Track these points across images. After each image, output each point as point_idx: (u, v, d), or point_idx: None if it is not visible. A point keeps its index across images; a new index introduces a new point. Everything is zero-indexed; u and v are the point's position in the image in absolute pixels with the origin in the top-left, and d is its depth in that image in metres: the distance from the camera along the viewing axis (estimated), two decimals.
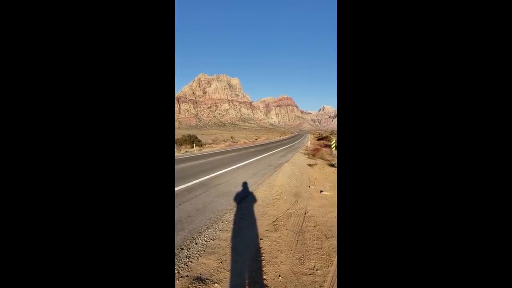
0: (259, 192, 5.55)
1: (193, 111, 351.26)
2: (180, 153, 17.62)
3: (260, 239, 3.09)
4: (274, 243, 2.99)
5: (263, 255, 2.69)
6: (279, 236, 3.17)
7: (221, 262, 2.54)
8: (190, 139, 25.00)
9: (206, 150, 20.56)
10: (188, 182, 6.54)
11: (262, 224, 3.58)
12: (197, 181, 6.77)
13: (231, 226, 3.51)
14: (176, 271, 2.39)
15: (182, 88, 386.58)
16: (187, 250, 2.80)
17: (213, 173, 8.02)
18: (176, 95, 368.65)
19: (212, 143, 30.09)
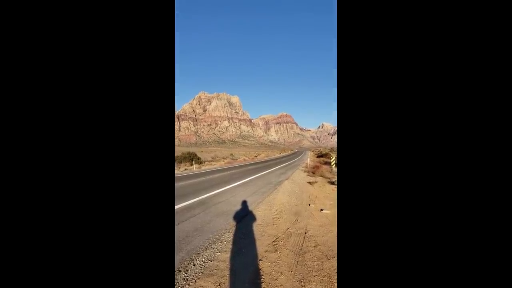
0: (259, 211, 5.48)
1: (193, 128, 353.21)
2: (179, 170, 17.54)
3: (260, 260, 3.02)
4: (274, 264, 2.92)
5: (262, 277, 2.62)
6: (279, 257, 3.11)
7: (219, 285, 2.47)
8: (190, 156, 24.97)
9: (205, 167, 20.49)
10: (187, 201, 6.48)
11: (262, 244, 3.52)
12: (196, 199, 6.71)
13: (230, 246, 3.44)
14: None
15: (182, 106, 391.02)
16: (184, 272, 2.73)
17: (212, 191, 7.96)
18: (176, 113, 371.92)
19: (211, 160, 30.02)
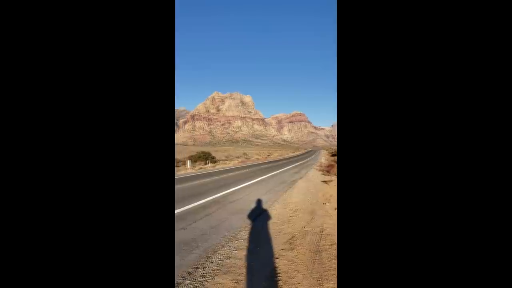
0: (274, 209, 5.47)
1: (207, 128, 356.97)
2: (194, 169, 17.77)
3: (276, 258, 3.02)
4: (291, 262, 2.90)
5: (279, 275, 2.61)
6: (296, 255, 3.09)
7: (236, 282, 2.48)
8: (204, 156, 25.25)
9: (219, 166, 20.65)
10: (202, 199, 6.55)
11: (278, 243, 3.51)
12: (211, 198, 6.77)
13: (246, 244, 3.45)
14: None
15: (196, 106, 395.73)
16: (202, 269, 2.76)
17: (227, 190, 8.01)
18: (190, 113, 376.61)
19: (225, 160, 30.24)
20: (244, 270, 2.71)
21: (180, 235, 3.86)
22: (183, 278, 2.56)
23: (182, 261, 2.94)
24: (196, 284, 2.45)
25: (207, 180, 11.07)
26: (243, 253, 3.15)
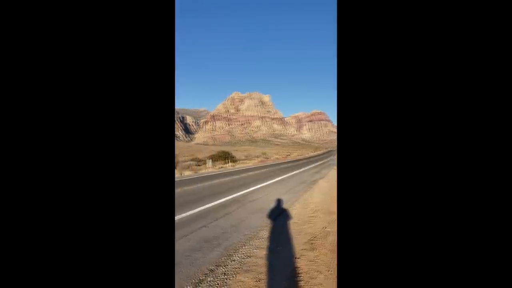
0: (294, 209, 5.44)
1: (227, 128, 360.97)
2: (215, 168, 18.03)
3: (297, 258, 3.00)
4: (312, 262, 2.88)
5: (300, 275, 2.59)
6: (317, 256, 3.05)
7: (258, 281, 2.49)
8: (224, 155, 25.55)
9: (239, 166, 20.82)
10: (222, 198, 6.64)
11: (299, 243, 3.48)
12: (231, 197, 6.85)
13: (267, 243, 3.46)
14: None
15: (216, 106, 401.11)
16: (223, 267, 2.80)
17: (246, 190, 8.06)
18: (211, 113, 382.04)
19: (245, 159, 30.41)
20: (265, 269, 2.71)
21: (201, 233, 3.94)
22: (206, 275, 2.61)
23: (204, 259, 3.00)
24: (218, 282, 2.49)
25: (227, 179, 11.19)
26: (263, 252, 3.16)
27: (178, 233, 3.93)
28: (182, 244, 3.50)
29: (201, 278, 2.55)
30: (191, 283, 2.47)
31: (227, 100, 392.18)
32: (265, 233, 3.89)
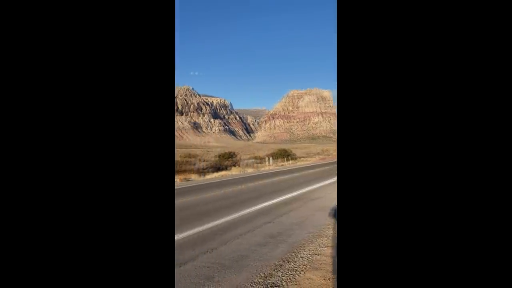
0: None
1: (286, 126, 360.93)
2: (276, 166, 18.25)
3: None
4: None
5: None
6: None
7: (328, 279, 2.45)
8: (284, 153, 25.68)
9: (299, 163, 20.65)
10: (283, 196, 6.68)
11: None
12: (291, 195, 6.84)
13: (334, 242, 3.36)
14: (283, 284, 2.43)
15: (275, 105, 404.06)
16: (292, 263, 2.82)
17: (307, 188, 7.95)
18: (269, 112, 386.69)
19: (306, 156, 30.02)
20: (332, 268, 2.64)
21: (265, 229, 4.03)
22: (274, 270, 2.67)
23: (271, 254, 3.07)
24: (288, 277, 2.52)
25: (286, 177, 11.21)
26: (330, 251, 3.08)
27: (243, 228, 4.10)
28: (248, 238, 3.64)
29: (270, 273, 2.61)
30: (261, 276, 2.56)
31: (285, 98, 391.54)
32: (330, 232, 3.78)
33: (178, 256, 3.03)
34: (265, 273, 2.61)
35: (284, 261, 2.86)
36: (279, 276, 2.54)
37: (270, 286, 2.37)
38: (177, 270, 2.66)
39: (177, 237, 3.71)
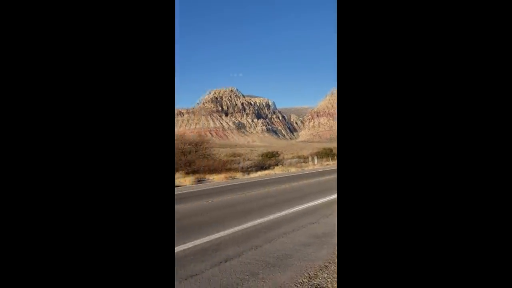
0: None
1: (331, 123, 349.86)
2: (321, 165, 17.83)
3: None
4: None
5: None
6: None
7: None
8: (331, 152, 24.96)
9: None
10: (328, 197, 6.49)
11: None
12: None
13: None
14: (329, 286, 2.37)
15: (319, 103, 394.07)
16: (334, 264, 2.73)
17: None
18: (313, 110, 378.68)
19: None
20: None
21: (310, 229, 3.96)
22: (319, 271, 2.61)
23: (315, 254, 3.01)
24: (334, 279, 2.45)
25: (331, 177, 10.85)
26: None
27: (287, 227, 4.08)
28: (292, 238, 3.61)
29: (315, 274, 2.56)
30: (305, 276, 2.52)
31: (330, 96, 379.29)
32: None
33: (224, 252, 3.14)
34: (310, 273, 2.56)
35: (330, 262, 2.78)
36: (325, 278, 2.47)
37: (315, 287, 2.32)
38: (222, 265, 2.76)
39: (222, 233, 3.85)
